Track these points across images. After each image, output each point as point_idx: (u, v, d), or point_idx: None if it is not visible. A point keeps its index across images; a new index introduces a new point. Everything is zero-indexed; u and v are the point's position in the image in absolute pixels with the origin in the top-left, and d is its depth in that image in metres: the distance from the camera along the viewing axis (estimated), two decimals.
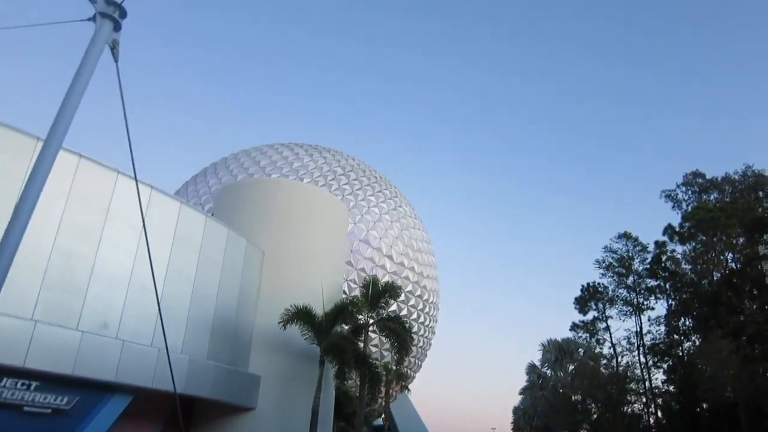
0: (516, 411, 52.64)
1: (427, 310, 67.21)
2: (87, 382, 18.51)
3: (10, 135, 17.63)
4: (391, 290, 27.61)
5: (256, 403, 24.96)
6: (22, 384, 17.37)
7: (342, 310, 24.58)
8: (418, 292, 65.39)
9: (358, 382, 26.33)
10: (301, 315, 23.94)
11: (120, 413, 19.80)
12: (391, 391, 61.25)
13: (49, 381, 17.86)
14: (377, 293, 27.37)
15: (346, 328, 27.75)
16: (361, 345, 27.12)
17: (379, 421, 67.91)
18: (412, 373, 67.47)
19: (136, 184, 12.09)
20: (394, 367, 47.66)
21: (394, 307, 62.68)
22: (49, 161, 4.44)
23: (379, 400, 52.50)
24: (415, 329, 65.27)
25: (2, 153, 17.25)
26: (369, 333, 28.12)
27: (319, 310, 24.73)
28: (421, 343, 66.83)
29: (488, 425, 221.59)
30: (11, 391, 17.13)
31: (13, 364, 16.64)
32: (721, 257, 40.63)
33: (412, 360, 66.01)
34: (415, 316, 64.72)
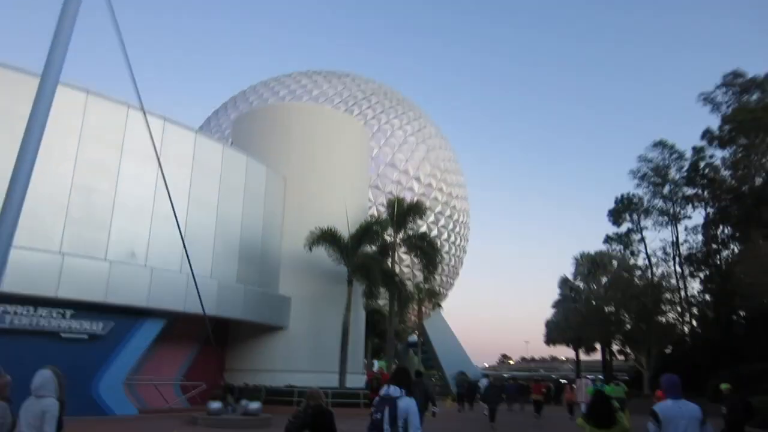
0: (548, 324, 52.88)
1: (457, 229, 67.10)
2: (120, 309, 19.01)
3: (11, 75, 17.26)
4: (416, 209, 27.21)
5: (288, 322, 25.44)
6: (58, 312, 17.87)
7: (367, 231, 24.38)
8: (448, 213, 65.10)
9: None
10: (326, 236, 23.84)
11: (155, 336, 20.38)
12: (423, 308, 62.37)
13: (84, 309, 18.34)
14: (402, 212, 27.02)
15: (374, 248, 27.67)
16: (390, 264, 27.07)
17: (414, 338, 69.70)
18: (444, 291, 68.30)
19: (143, 113, 11.61)
20: (426, 286, 48.12)
21: (424, 228, 62.85)
22: (50, 90, 4.07)
23: (412, 317, 53.50)
24: (446, 249, 65.46)
25: (4, 93, 16.91)
26: (397, 252, 27.99)
27: (344, 232, 24.56)
28: (452, 262, 67.20)
29: (521, 339, 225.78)
30: (47, 320, 17.67)
31: (46, 294, 17.05)
32: (764, 160, 38.59)
33: (444, 278, 66.67)
34: (445, 236, 64.73)
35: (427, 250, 26.55)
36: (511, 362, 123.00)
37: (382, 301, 27.04)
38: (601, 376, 10.47)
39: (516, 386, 33.71)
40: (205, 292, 21.35)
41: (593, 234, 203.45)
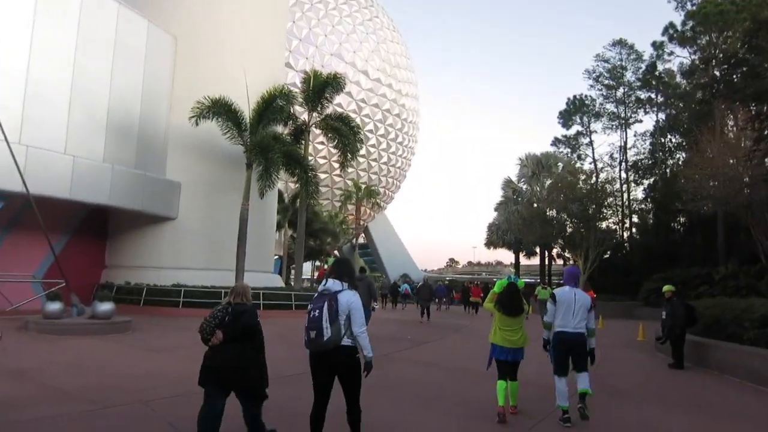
0: (490, 227, 50.43)
1: (405, 129, 62.74)
2: None
3: None
4: (335, 83, 22.49)
5: (177, 212, 21.24)
6: None
7: (270, 104, 19.74)
8: (396, 111, 60.42)
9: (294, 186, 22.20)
10: (220, 109, 19.20)
11: None
12: (368, 211, 59.15)
13: None
14: (319, 87, 22.35)
15: (286, 132, 23.28)
16: (302, 150, 22.80)
17: (361, 241, 67.21)
18: (389, 193, 65.03)
19: None
20: (361, 184, 44.36)
21: (370, 125, 58.28)
22: None
23: (349, 217, 50.19)
24: (392, 149, 61.44)
25: None
26: (311, 141, 23.66)
27: (245, 106, 19.98)
28: (399, 163, 63.38)
29: (470, 244, 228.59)
30: None
31: None
32: (721, 56, 34.92)
33: (390, 180, 63.12)
34: (393, 135, 60.45)
35: (344, 132, 22.25)
36: (459, 266, 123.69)
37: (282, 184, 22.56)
38: (513, 275, 8.20)
39: (443, 288, 35.19)
40: (56, 168, 16.85)
41: (543, 138, 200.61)
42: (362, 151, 57.98)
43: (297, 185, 24.62)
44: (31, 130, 16.25)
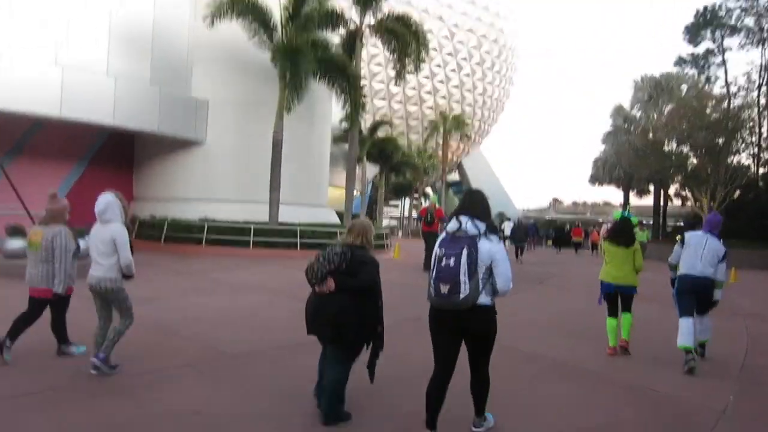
0: (596, 161, 43.45)
1: (503, 56, 55.79)
2: None
3: None
4: None
5: (205, 135, 17.94)
6: None
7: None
8: (493, 36, 53.52)
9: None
10: (242, 5, 15.23)
11: None
12: (459, 144, 53.87)
13: None
14: None
15: (337, 41, 18.93)
16: (352, 61, 18.37)
17: (456, 177, 62.35)
18: (485, 126, 59.00)
19: None
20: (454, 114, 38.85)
21: (464, 53, 52.09)
22: None
23: (439, 153, 45.32)
24: (488, 79, 54.97)
25: None
26: (366, 47, 19.12)
27: (275, 4, 15.85)
28: (496, 94, 56.92)
29: (574, 183, 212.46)
30: None
31: None
32: None
33: (486, 112, 56.96)
34: (489, 63, 53.88)
35: (401, 34, 17.47)
36: (563, 205, 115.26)
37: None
38: (629, 212, 4.74)
39: (534, 227, 32.75)
40: (39, 82, 13.85)
41: (664, 58, 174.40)
42: (455, 81, 52.48)
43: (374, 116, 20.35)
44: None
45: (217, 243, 15.63)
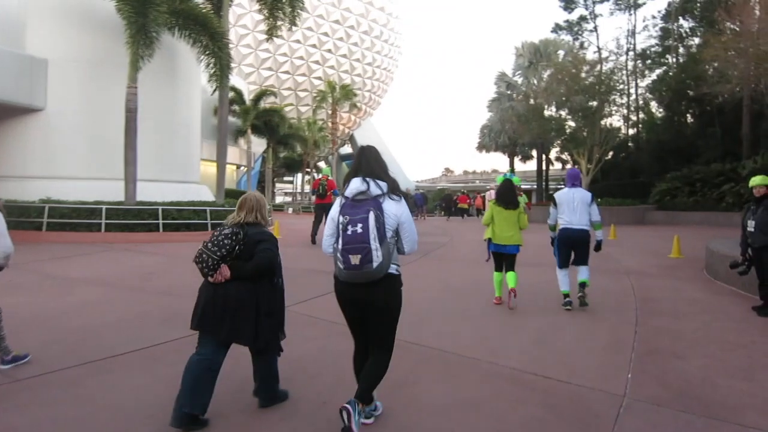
0: (483, 129, 44.04)
1: (391, 25, 54.85)
2: None
3: None
4: None
5: (45, 101, 15.21)
6: None
7: None
8: (380, 4, 52.31)
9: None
10: None
11: None
12: (350, 115, 52.62)
13: None
14: None
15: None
16: (220, 19, 16.29)
17: (347, 149, 61.20)
18: (375, 98, 58.11)
19: None
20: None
21: (352, 21, 50.36)
22: None
23: (329, 123, 43.73)
24: (377, 48, 53.84)
25: None
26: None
27: None
28: (384, 64, 55.98)
29: (463, 152, 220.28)
30: None
31: None
32: None
33: (375, 83, 55.97)
34: (377, 32, 52.66)
35: None
36: (454, 174, 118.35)
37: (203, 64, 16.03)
38: (509, 173, 4.01)
39: (422, 196, 32.98)
40: None
41: (542, 25, 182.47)
42: (343, 50, 50.83)
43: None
44: None
45: (62, 228, 13.28)
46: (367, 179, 3.15)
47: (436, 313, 6.44)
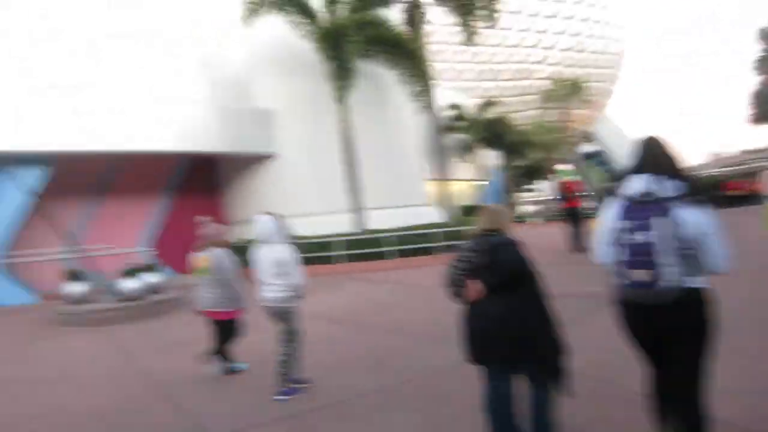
0: (757, 95, 35.59)
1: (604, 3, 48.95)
2: None
3: None
4: None
5: (274, 147, 16.26)
6: None
7: None
8: None
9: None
10: None
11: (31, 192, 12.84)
12: (585, 111, 48.04)
13: None
14: None
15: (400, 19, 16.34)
16: (412, 34, 15.63)
17: (588, 147, 55.90)
18: (606, 86, 52.16)
19: None
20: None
21: (582, 15, 46.50)
22: None
23: (574, 124, 40.37)
24: (597, 33, 48.54)
25: None
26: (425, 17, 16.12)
27: None
28: (610, 49, 50.05)
29: (724, 127, 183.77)
30: None
31: None
32: None
33: (604, 71, 50.30)
34: (596, 17, 47.55)
35: None
36: (724, 157, 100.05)
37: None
38: None
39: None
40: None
41: None
42: (562, 44, 46.89)
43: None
44: None
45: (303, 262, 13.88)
46: (656, 177, 2.59)
47: None
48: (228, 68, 16.22)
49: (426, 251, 13.90)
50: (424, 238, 14.20)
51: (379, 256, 13.89)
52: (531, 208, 54.50)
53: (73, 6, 13.59)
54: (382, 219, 15.07)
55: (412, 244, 13.96)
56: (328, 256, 13.85)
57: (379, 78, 16.03)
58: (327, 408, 4.27)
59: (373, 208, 15.01)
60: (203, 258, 5.22)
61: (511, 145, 34.71)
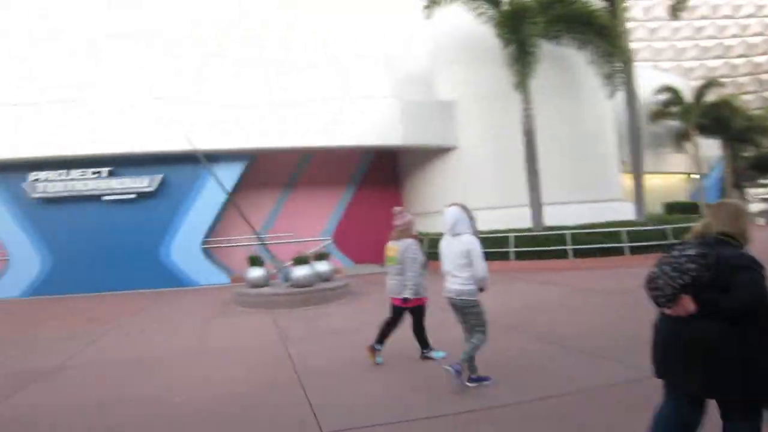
0: None
1: None
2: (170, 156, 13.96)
3: None
4: None
5: (456, 139, 15.82)
6: (93, 173, 13.88)
7: None
8: None
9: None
10: None
11: (233, 185, 14.48)
12: None
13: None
14: None
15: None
16: (613, 15, 13.81)
17: None
18: None
19: None
20: None
21: None
22: None
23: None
24: None
25: None
26: None
27: None
28: None
29: None
30: (83, 182, 13.83)
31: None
32: None
33: None
34: None
35: None
36: None
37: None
38: None
39: None
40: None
41: None
42: None
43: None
44: None
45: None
46: None
47: None
48: (411, 63, 16.38)
49: (609, 252, 12.51)
50: (608, 237, 12.79)
51: (557, 254, 12.85)
52: (759, 207, 45.66)
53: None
54: (562, 214, 13.90)
55: (593, 243, 12.66)
56: (504, 252, 13.20)
57: (566, 60, 14.68)
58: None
59: (554, 203, 13.88)
60: (392, 247, 5.40)
61: (739, 132, 29.38)
